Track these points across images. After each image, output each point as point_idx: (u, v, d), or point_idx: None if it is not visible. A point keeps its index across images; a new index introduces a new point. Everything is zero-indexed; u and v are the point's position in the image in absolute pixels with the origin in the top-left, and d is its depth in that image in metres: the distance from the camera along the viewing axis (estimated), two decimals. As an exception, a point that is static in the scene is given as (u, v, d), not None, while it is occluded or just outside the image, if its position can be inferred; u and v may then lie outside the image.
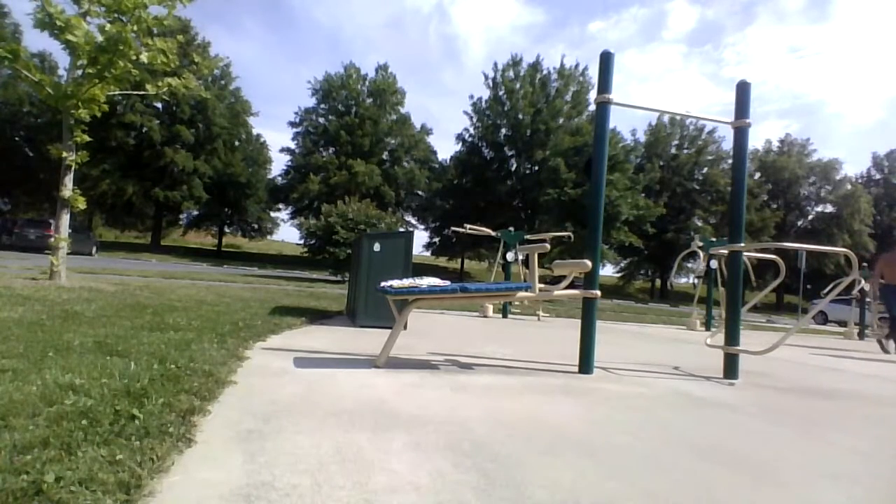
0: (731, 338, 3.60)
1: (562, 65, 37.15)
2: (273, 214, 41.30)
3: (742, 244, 3.64)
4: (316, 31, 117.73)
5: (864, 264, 10.90)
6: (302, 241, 18.68)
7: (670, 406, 2.60)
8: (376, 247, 4.93)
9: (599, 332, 3.59)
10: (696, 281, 12.41)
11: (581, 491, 1.38)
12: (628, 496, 1.38)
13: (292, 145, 38.60)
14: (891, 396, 3.58)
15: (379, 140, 37.91)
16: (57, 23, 5.45)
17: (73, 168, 6.07)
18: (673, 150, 39.42)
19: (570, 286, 3.67)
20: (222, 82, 36.06)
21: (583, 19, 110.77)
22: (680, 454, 1.79)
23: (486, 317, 7.87)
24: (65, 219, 6.05)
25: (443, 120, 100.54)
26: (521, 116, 36.29)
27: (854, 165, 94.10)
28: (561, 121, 36.42)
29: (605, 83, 3.44)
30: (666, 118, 38.28)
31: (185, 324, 3.66)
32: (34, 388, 1.76)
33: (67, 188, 6.01)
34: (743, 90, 3.67)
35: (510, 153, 38.06)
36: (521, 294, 3.31)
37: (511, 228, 9.15)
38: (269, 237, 45.50)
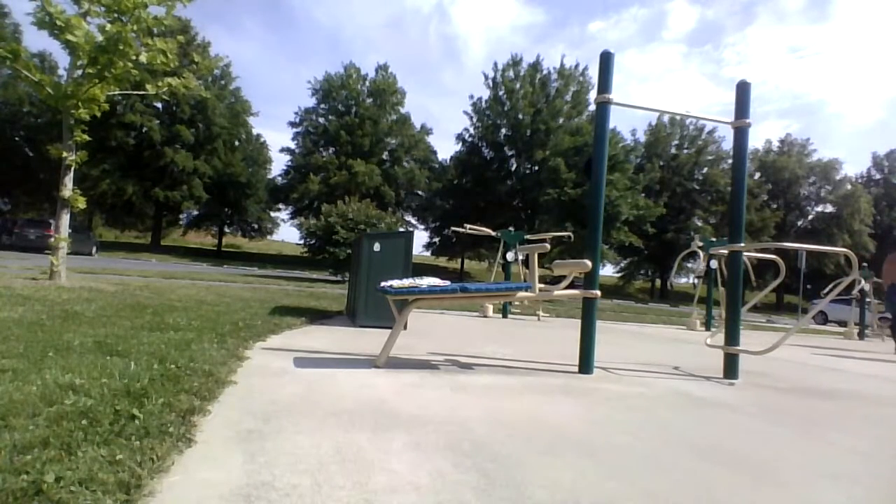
0: (731, 338, 3.60)
1: (562, 65, 37.20)
2: (273, 214, 41.36)
3: (742, 244, 3.64)
4: (316, 31, 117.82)
5: (864, 264, 10.88)
6: (302, 241, 18.66)
7: (670, 406, 2.60)
8: (376, 247, 4.93)
9: (599, 332, 3.59)
10: (696, 281, 12.41)
11: (581, 491, 1.38)
12: (628, 496, 1.38)
13: (292, 145, 38.66)
14: (891, 396, 3.58)
15: (379, 140, 37.91)
16: (57, 23, 5.45)
17: (73, 168, 6.07)
18: (673, 150, 39.42)
19: (570, 286, 3.67)
20: (222, 82, 36.06)
21: (583, 19, 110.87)
22: (680, 454, 1.79)
23: (486, 317, 7.87)
24: (65, 219, 6.05)
25: (443, 120, 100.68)
26: (521, 116, 36.29)
27: (854, 165, 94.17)
28: (561, 121, 36.41)
29: (605, 83, 3.44)
30: (666, 118, 38.32)
31: (185, 324, 3.66)
32: (34, 388, 1.76)
33: (67, 188, 6.01)
34: (743, 90, 3.67)
35: (510, 153, 38.06)
36: (521, 294, 3.31)
37: (511, 228, 9.15)
38: (269, 237, 45.52)
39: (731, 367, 3.58)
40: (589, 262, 3.28)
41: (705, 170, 38.88)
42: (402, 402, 2.22)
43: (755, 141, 46.18)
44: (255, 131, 39.18)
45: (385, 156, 38.99)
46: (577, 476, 1.50)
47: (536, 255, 3.48)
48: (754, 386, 3.38)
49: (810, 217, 44.00)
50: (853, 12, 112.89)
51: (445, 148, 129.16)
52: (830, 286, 4.24)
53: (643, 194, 32.18)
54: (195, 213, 37.73)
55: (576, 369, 3.34)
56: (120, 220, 37.13)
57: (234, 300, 6.00)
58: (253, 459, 1.42)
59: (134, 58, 5.87)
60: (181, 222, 40.22)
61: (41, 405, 1.59)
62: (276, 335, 3.86)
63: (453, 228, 11.11)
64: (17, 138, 33.08)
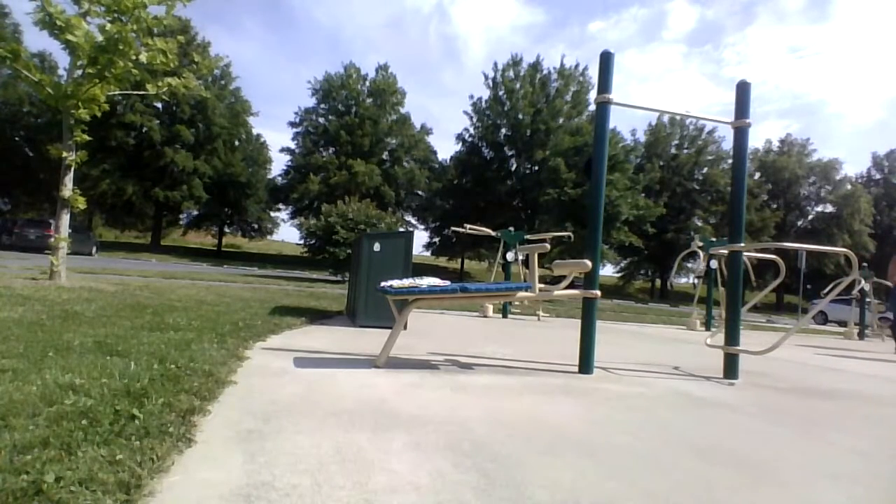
0: (731, 338, 3.60)
1: (562, 65, 37.19)
2: (273, 214, 41.36)
3: (742, 244, 3.64)
4: (316, 31, 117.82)
5: (864, 264, 10.88)
6: (302, 241, 18.68)
7: (670, 406, 2.60)
8: (376, 247, 4.93)
9: (599, 332, 3.59)
10: (696, 281, 12.41)
11: (581, 491, 1.38)
12: (628, 496, 1.38)
13: (292, 145, 38.66)
14: (891, 396, 3.58)
15: (379, 140, 37.91)
16: (57, 23, 5.45)
17: (73, 168, 6.07)
18: (673, 150, 39.42)
19: (570, 286, 3.66)
20: (222, 82, 36.06)
21: (583, 19, 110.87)
22: (680, 454, 1.79)
23: (486, 317, 7.87)
24: (65, 219, 6.05)
25: (443, 120, 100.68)
26: (521, 116, 36.29)
27: (854, 165, 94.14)
28: (561, 121, 36.41)
29: (605, 83, 3.44)
30: (666, 118, 38.33)
31: (185, 324, 3.66)
32: (34, 388, 1.76)
33: (67, 188, 6.01)
34: (743, 90, 3.67)
35: (510, 153, 38.06)
36: (521, 294, 3.31)
37: (511, 228, 9.14)
38: (269, 237, 45.53)
39: (731, 367, 3.57)
40: (589, 262, 3.28)
41: (705, 170, 38.88)
42: (402, 402, 2.22)
43: (755, 141, 46.24)
44: (255, 131, 39.25)
45: (385, 156, 38.99)
46: (577, 476, 1.50)
47: (536, 255, 3.48)
48: (754, 386, 3.38)
49: (810, 217, 44.03)
50: (853, 12, 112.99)
51: (445, 148, 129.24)
52: (830, 286, 4.24)
53: (643, 194, 32.17)
54: (195, 213, 37.72)
55: (576, 369, 3.34)
56: (120, 220, 37.14)
57: (234, 300, 6.00)
58: (253, 459, 1.42)
59: (134, 58, 5.87)
60: (181, 222, 40.22)
61: (41, 405, 1.59)
62: (276, 335, 3.86)
63: (453, 228, 11.11)
64: (17, 138, 33.08)
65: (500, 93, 37.09)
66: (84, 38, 5.60)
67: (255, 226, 40.76)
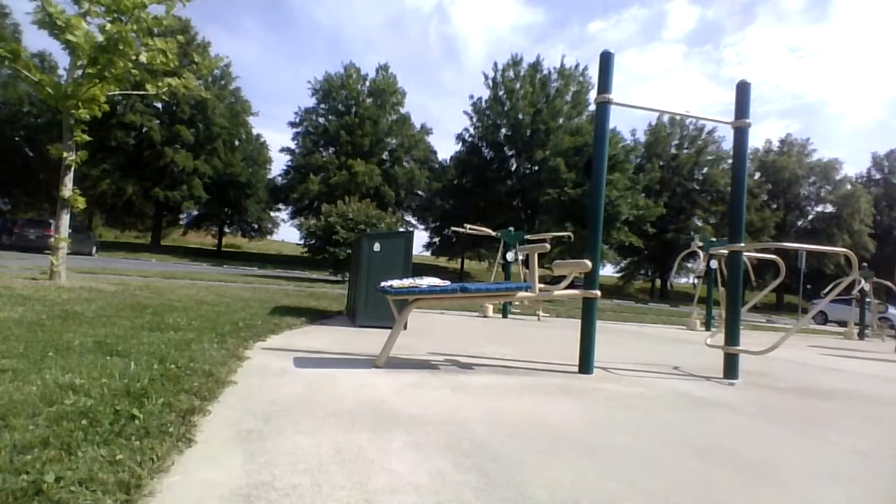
0: (731, 338, 3.60)
1: (562, 65, 37.13)
2: (273, 214, 41.30)
3: (742, 244, 3.64)
4: (316, 31, 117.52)
5: (864, 264, 10.88)
6: (302, 241, 18.68)
7: (670, 406, 2.60)
8: (376, 247, 4.93)
9: (599, 332, 3.59)
10: (696, 281, 12.41)
11: (581, 491, 1.38)
12: (628, 496, 1.38)
13: (292, 145, 38.59)
14: (891, 396, 3.58)
15: (379, 140, 37.89)
16: (57, 23, 5.45)
17: (73, 168, 6.07)
18: (673, 150, 39.39)
19: (570, 286, 3.67)
20: (222, 82, 36.03)
21: (583, 19, 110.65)
22: (680, 454, 1.79)
23: (486, 317, 7.87)
24: (65, 219, 6.05)
25: (443, 120, 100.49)
26: (521, 116, 36.27)
27: (854, 165, 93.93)
28: (561, 121, 36.38)
29: (605, 83, 3.44)
30: (666, 118, 38.27)
31: (185, 324, 3.66)
32: (34, 388, 1.76)
33: (67, 188, 6.01)
34: (743, 90, 3.67)
35: (510, 153, 38.03)
36: (521, 294, 3.32)
37: (511, 228, 9.15)
38: (269, 237, 45.49)
39: (731, 367, 3.58)
40: (589, 262, 3.28)
41: (705, 170, 38.85)
42: (402, 402, 2.22)
43: (755, 141, 46.20)
44: (255, 131, 39.20)
45: (385, 156, 38.97)
46: (577, 476, 1.50)
47: (536, 255, 3.49)
48: (754, 386, 3.38)
49: (810, 217, 43.99)
50: (853, 12, 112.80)
51: (445, 148, 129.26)
52: (830, 286, 4.24)
53: (643, 194, 32.13)
54: (195, 213, 37.69)
55: (576, 369, 3.34)
56: (120, 220, 37.09)
57: (234, 300, 6.00)
58: (253, 459, 1.42)
59: (134, 58, 5.87)
60: (181, 222, 40.20)
61: (41, 405, 1.59)
62: (276, 335, 3.86)
63: (453, 228, 11.11)
64: (17, 138, 33.07)
65: (500, 93, 37.07)
66: (84, 38, 5.60)
67: (255, 226, 40.74)
